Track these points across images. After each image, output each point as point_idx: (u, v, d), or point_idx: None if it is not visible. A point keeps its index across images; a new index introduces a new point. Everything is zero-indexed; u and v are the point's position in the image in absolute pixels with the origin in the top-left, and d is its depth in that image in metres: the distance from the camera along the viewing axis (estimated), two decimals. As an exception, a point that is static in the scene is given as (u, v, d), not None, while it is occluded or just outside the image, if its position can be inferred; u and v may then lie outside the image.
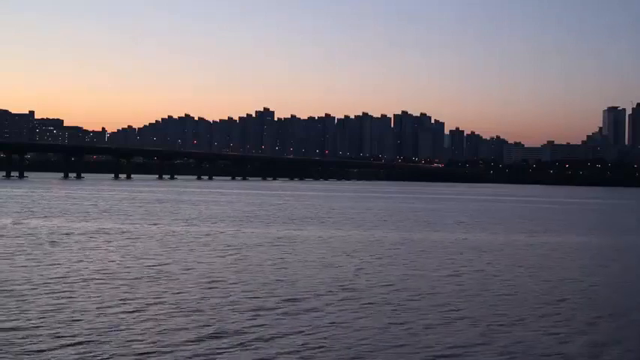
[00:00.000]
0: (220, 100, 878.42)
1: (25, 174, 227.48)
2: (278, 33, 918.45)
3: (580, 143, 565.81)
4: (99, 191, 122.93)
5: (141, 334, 18.14)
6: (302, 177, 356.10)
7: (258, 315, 20.86)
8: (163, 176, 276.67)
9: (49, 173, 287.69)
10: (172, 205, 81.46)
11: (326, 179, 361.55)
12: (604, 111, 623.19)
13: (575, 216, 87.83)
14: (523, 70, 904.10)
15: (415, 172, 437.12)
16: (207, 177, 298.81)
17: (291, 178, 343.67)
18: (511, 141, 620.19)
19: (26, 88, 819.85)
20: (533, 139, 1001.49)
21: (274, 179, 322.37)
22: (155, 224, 53.21)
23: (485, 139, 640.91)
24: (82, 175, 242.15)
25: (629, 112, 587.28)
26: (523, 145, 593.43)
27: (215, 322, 19.70)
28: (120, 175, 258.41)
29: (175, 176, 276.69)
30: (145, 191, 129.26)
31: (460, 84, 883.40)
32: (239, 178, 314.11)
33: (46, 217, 58.25)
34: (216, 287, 25.50)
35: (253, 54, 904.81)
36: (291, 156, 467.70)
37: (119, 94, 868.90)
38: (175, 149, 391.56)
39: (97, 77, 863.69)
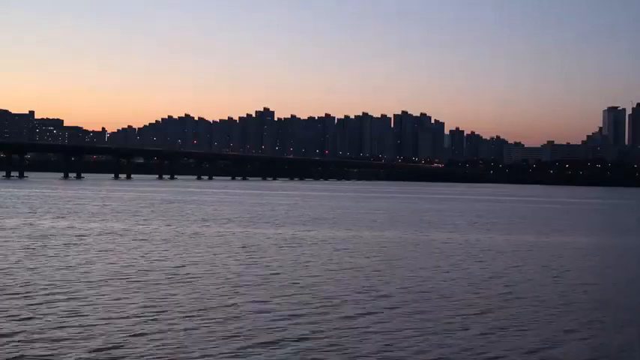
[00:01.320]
0: (220, 100, 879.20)
1: (25, 174, 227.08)
2: (278, 33, 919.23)
3: (580, 143, 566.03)
4: (106, 191, 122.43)
5: (172, 339, 17.60)
6: (302, 177, 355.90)
7: (295, 318, 20.39)
8: (163, 176, 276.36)
9: (49, 173, 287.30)
10: (182, 206, 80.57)
11: (326, 179, 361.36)
12: (604, 111, 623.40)
13: (581, 216, 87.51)
14: (523, 70, 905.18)
15: (415, 172, 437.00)
16: (207, 177, 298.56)
17: (291, 178, 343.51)
18: (511, 141, 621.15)
19: (26, 88, 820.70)
20: (533, 139, 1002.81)
21: (274, 179, 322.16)
22: (170, 225, 52.43)
23: (485, 139, 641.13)
24: (82, 175, 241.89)
25: (629, 112, 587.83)
26: (523, 145, 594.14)
27: (248, 328, 19.07)
28: (120, 175, 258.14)
29: (175, 176, 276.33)
30: (151, 191, 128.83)
31: (460, 84, 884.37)
32: (239, 178, 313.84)
33: (59, 217, 57.61)
34: (244, 290, 24.93)
35: (253, 54, 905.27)
36: (291, 156, 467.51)
37: (119, 94, 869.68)
38: (175, 149, 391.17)
39: (97, 77, 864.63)
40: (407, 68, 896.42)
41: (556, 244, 46.69)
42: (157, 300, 22.53)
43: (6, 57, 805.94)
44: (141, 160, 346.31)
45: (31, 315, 19.80)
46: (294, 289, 25.33)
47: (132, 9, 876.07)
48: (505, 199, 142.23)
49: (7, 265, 29.12)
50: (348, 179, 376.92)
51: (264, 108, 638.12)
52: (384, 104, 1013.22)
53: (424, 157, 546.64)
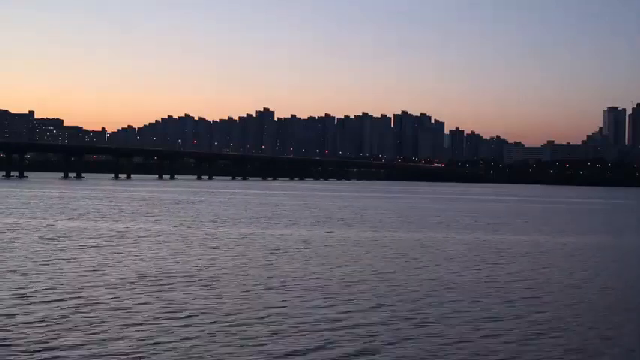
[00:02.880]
0: (220, 100, 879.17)
1: (25, 174, 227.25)
2: (278, 33, 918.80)
3: (580, 143, 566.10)
4: (114, 192, 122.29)
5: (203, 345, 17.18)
6: (302, 177, 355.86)
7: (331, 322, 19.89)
8: (163, 176, 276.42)
9: (49, 173, 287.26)
10: (194, 206, 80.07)
11: (326, 179, 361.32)
12: (604, 111, 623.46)
13: (593, 216, 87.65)
14: (523, 70, 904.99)
15: (415, 172, 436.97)
16: (207, 177, 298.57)
17: (291, 178, 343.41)
18: (511, 141, 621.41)
19: (26, 88, 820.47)
20: (533, 139, 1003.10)
21: (274, 179, 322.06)
22: (186, 226, 51.85)
23: (486, 139, 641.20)
24: (82, 175, 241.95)
25: (629, 112, 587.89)
26: (523, 145, 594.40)
27: (289, 336, 18.32)
28: (120, 175, 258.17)
29: (175, 176, 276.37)
30: (158, 191, 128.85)
31: (460, 84, 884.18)
32: (239, 178, 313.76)
33: (74, 218, 57.35)
34: (273, 293, 24.45)
35: (253, 54, 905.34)
36: (291, 156, 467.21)
37: (119, 94, 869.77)
38: (175, 149, 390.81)
39: (97, 77, 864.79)
40: (407, 68, 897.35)
41: (591, 244, 46.74)
42: (188, 303, 22.10)
43: (6, 57, 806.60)
44: (141, 160, 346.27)
45: (52, 318, 19.44)
46: (342, 292, 24.81)
47: (132, 9, 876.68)
48: (510, 200, 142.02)
49: (28, 267, 28.75)
50: (348, 179, 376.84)
51: (264, 108, 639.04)
52: (384, 104, 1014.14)
53: (424, 157, 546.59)
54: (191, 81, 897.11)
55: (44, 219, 55.30)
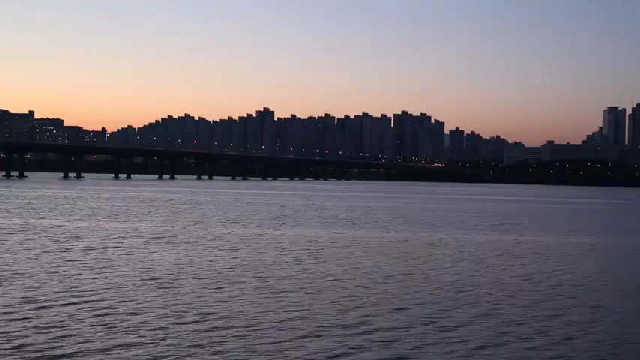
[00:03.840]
0: (220, 100, 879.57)
1: (25, 174, 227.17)
2: (278, 33, 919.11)
3: (580, 143, 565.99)
4: (121, 192, 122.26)
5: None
6: (302, 177, 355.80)
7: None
8: (163, 176, 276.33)
9: (49, 173, 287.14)
10: (203, 207, 79.92)
11: (326, 179, 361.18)
12: (604, 111, 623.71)
13: (607, 215, 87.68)
14: (523, 71, 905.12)
15: (415, 172, 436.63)
16: (207, 177, 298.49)
17: (291, 178, 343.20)
18: (511, 141, 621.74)
19: (26, 88, 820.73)
20: (533, 139, 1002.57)
21: (274, 179, 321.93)
22: (200, 227, 51.59)
23: (485, 139, 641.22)
24: (82, 175, 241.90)
25: (629, 112, 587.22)
26: (523, 145, 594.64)
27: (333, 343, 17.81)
28: (120, 175, 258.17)
29: (175, 176, 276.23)
30: (163, 192, 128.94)
31: (460, 84, 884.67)
32: (239, 178, 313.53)
33: (91, 219, 57.29)
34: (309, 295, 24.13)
35: (253, 54, 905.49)
36: (291, 156, 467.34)
37: (119, 94, 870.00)
38: (175, 149, 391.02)
39: (97, 77, 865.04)
40: (407, 68, 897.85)
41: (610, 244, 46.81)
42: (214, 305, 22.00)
43: (6, 57, 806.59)
44: (141, 160, 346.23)
45: (76, 321, 19.31)
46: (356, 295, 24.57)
47: (132, 9, 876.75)
48: (513, 200, 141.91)
49: (38, 269, 28.60)
50: (348, 179, 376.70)
51: (264, 108, 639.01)
52: (384, 104, 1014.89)
53: (424, 157, 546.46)
54: (191, 81, 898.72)
55: (58, 219, 55.33)
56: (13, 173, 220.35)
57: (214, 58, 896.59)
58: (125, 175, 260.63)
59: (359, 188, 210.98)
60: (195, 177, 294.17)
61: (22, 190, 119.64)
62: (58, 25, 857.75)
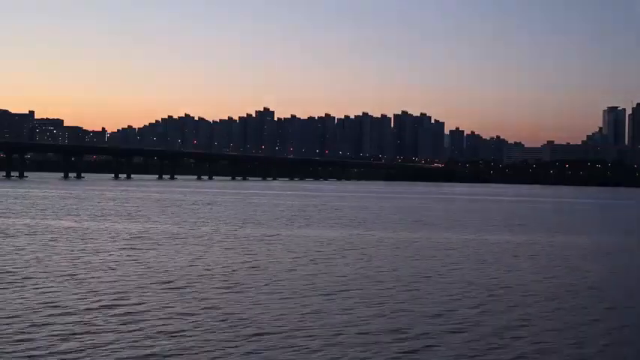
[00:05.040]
0: (220, 100, 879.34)
1: (25, 174, 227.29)
2: (278, 33, 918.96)
3: (580, 143, 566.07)
4: (128, 192, 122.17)
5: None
6: (302, 177, 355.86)
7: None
8: (163, 176, 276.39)
9: (48, 173, 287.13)
10: (212, 207, 79.73)
11: (326, 179, 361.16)
12: (604, 111, 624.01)
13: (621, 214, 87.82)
14: (523, 70, 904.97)
15: (415, 172, 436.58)
16: (207, 177, 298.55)
17: (291, 178, 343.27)
18: (511, 141, 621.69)
19: (26, 88, 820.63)
20: (533, 139, 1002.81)
21: (274, 179, 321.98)
22: (211, 227, 51.36)
23: (485, 139, 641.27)
24: (82, 175, 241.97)
25: (629, 112, 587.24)
26: (523, 145, 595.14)
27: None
28: (120, 175, 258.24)
29: (175, 176, 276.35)
30: (168, 192, 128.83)
31: (460, 84, 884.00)
32: (239, 178, 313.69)
33: (103, 218, 57.22)
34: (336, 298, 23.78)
35: (253, 54, 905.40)
36: (291, 156, 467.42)
37: (119, 94, 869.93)
38: (175, 149, 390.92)
39: (97, 77, 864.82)
40: (407, 68, 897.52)
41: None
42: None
43: (6, 57, 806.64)
44: (141, 160, 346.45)
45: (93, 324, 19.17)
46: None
47: (132, 9, 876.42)
48: (511, 199, 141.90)
49: (50, 270, 28.45)
50: (348, 179, 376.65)
51: (264, 108, 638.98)
52: (384, 104, 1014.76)
53: (424, 157, 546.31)
54: (191, 81, 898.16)
55: (73, 220, 55.15)
56: (13, 173, 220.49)
57: (214, 58, 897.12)
58: (125, 175, 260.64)
59: (361, 188, 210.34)
60: (195, 177, 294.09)
61: (23, 190, 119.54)
62: (58, 25, 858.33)
